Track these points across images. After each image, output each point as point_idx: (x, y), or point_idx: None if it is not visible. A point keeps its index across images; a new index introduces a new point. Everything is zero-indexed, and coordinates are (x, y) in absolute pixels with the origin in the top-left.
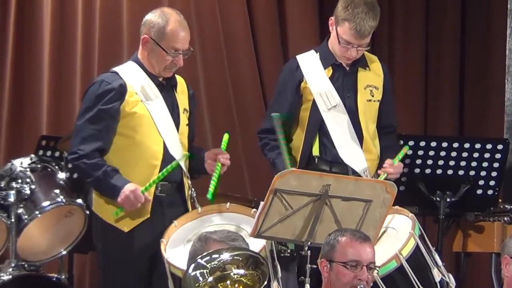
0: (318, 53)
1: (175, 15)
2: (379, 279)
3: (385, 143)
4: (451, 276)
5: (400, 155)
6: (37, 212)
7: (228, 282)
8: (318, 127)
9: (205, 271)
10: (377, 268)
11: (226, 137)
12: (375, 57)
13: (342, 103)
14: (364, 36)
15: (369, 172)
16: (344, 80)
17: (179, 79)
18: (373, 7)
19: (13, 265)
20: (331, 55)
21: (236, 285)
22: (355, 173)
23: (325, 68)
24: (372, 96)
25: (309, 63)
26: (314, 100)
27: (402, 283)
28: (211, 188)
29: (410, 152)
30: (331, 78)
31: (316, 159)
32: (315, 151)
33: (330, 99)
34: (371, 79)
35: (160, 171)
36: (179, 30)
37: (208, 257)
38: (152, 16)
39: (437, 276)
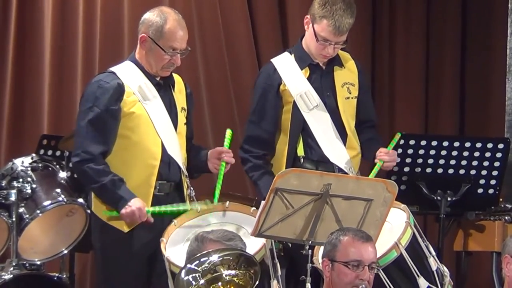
0: (292, 54)
1: (173, 14)
2: (380, 271)
3: (367, 136)
4: (444, 266)
5: (394, 142)
6: (38, 211)
7: (220, 283)
8: (301, 128)
9: (197, 274)
10: (379, 269)
11: (229, 133)
12: (348, 54)
13: (323, 102)
14: (342, 33)
15: (354, 169)
16: (322, 79)
17: (177, 77)
18: (350, 5)
19: (14, 264)
20: (307, 55)
21: (228, 286)
22: (341, 171)
23: (301, 69)
24: (350, 93)
25: (286, 65)
26: (294, 101)
27: (398, 275)
28: (217, 192)
29: (411, 151)
30: (308, 79)
31: (302, 159)
32: (300, 152)
33: (310, 99)
34: (347, 77)
35: (158, 171)
36: (178, 29)
37: (197, 261)
38: (150, 15)
39: (433, 265)
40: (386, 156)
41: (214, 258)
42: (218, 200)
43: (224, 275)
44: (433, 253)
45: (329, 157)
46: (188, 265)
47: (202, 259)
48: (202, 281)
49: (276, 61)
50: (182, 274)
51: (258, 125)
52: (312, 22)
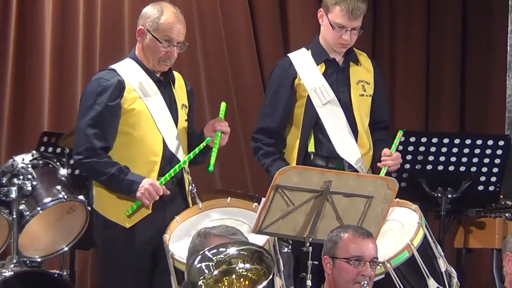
0: (309, 50)
1: (171, 7)
2: (392, 270)
3: (376, 137)
4: (451, 267)
5: (396, 141)
6: (38, 209)
7: (234, 276)
8: (313, 123)
9: (210, 263)
10: (380, 265)
11: (223, 105)
12: (364, 53)
13: (337, 98)
14: (356, 16)
15: (364, 166)
16: (338, 75)
17: (177, 75)
18: None
19: (14, 261)
20: (323, 51)
21: (242, 280)
22: (351, 167)
23: (317, 64)
24: (364, 91)
25: (302, 60)
26: (308, 96)
27: (409, 274)
28: (212, 160)
29: (411, 148)
30: (324, 74)
31: (312, 155)
32: (311, 147)
33: (324, 94)
34: (362, 74)
35: (160, 167)
36: (174, 21)
37: (215, 250)
38: (149, 8)
39: (442, 266)
40: (390, 161)
41: (232, 250)
42: (217, 197)
43: (238, 268)
44: (442, 253)
45: (340, 152)
46: (206, 252)
47: (220, 249)
48: (216, 272)
49: (292, 55)
50: (196, 261)
51: (270, 117)
52: (325, 13)
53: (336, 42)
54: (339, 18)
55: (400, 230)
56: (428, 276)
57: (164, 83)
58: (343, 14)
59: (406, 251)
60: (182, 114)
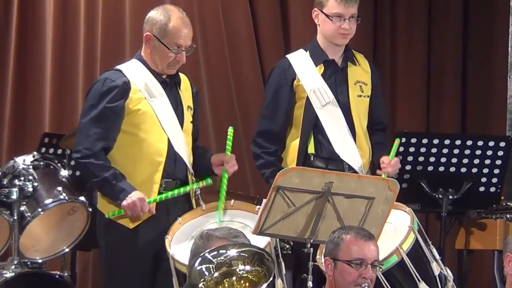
0: (308, 52)
1: (177, 12)
2: (380, 274)
3: (375, 139)
4: (448, 269)
5: (394, 148)
6: (39, 210)
7: (234, 278)
8: (313, 124)
9: (211, 266)
10: (382, 267)
11: (230, 132)
12: (361, 54)
13: (336, 99)
14: (351, 3)
15: (364, 168)
16: (337, 76)
17: (183, 77)
18: None
19: (15, 262)
20: (322, 52)
21: (242, 282)
22: (351, 169)
23: (316, 66)
24: (362, 91)
25: (300, 61)
26: (307, 97)
27: (402, 278)
28: (220, 204)
29: (412, 149)
30: (323, 75)
31: (312, 156)
32: (311, 148)
33: (323, 95)
34: (360, 75)
35: (164, 168)
36: (182, 27)
37: (215, 252)
38: (155, 13)
39: (436, 269)
40: (389, 168)
41: (233, 252)
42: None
43: (238, 270)
44: (437, 257)
45: (340, 154)
46: (206, 254)
47: (220, 251)
48: (216, 274)
49: (291, 57)
50: (196, 263)
51: (270, 119)
52: (320, 10)
53: (337, 33)
54: (335, 8)
55: (393, 232)
56: (419, 280)
57: (170, 85)
58: (338, 2)
59: (395, 255)
60: (188, 116)
